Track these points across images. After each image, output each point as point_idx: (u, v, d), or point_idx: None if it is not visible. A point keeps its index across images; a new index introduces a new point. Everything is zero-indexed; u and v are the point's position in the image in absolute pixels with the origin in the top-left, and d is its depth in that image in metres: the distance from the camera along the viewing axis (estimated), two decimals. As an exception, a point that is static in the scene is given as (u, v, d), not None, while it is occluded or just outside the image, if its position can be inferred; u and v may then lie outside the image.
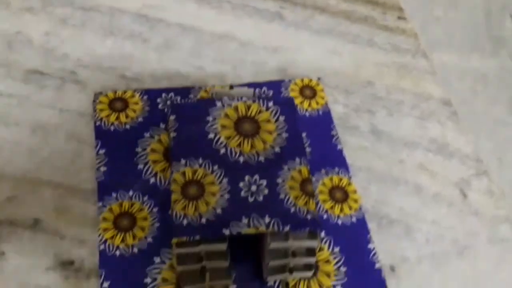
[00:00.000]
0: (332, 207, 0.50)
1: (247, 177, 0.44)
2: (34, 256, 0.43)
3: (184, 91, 0.56)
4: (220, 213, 0.42)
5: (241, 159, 0.45)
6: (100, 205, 0.47)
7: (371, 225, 0.50)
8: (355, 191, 0.51)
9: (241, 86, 0.55)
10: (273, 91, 0.57)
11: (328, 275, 0.46)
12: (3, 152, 0.49)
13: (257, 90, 0.56)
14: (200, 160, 0.44)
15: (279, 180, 0.44)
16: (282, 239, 0.42)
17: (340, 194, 0.51)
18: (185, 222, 0.41)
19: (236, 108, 0.48)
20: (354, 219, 0.50)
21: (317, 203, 0.49)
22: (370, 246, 0.48)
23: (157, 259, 0.45)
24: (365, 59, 0.63)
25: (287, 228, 0.42)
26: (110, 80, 0.56)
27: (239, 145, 0.46)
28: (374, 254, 0.48)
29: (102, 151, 0.50)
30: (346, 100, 0.58)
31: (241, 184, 0.44)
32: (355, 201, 0.51)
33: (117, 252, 0.45)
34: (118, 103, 0.54)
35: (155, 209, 0.47)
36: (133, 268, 0.44)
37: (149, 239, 0.46)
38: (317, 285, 0.46)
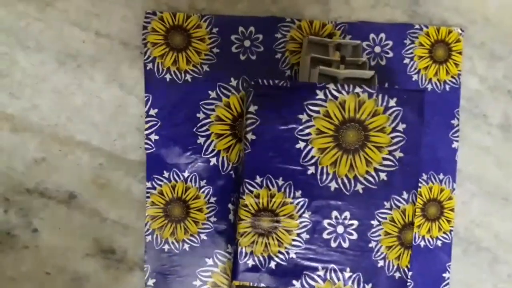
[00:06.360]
0: (419, 226, 0.41)
1: (334, 213, 0.34)
2: (71, 237, 0.38)
3: (269, 24, 0.39)
4: (294, 258, 0.34)
5: (333, 185, 0.34)
6: (149, 185, 0.38)
7: (456, 251, 0.42)
8: (452, 209, 0.42)
9: (350, 35, 0.39)
10: (393, 42, 0.40)
11: (390, 298, 0.42)
12: (25, 90, 0.37)
13: (370, 36, 0.40)
14: (281, 181, 0.34)
15: (374, 223, 0.35)
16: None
17: (435, 210, 0.42)
18: (250, 263, 0.34)
19: (342, 104, 0.34)
20: (439, 243, 0.42)
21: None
22: (445, 275, 0.42)
23: (209, 261, 0.39)
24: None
25: (368, 287, 0.35)
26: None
27: (335, 163, 0.34)
28: (446, 284, 0.42)
29: (153, 111, 0.38)
30: (486, 71, 0.42)
31: (325, 223, 0.34)
32: (449, 221, 0.42)
33: (166, 247, 0.39)
34: (177, 36, 0.38)
35: (213, 199, 0.39)
36: (182, 268, 0.39)
37: (203, 236, 0.39)
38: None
